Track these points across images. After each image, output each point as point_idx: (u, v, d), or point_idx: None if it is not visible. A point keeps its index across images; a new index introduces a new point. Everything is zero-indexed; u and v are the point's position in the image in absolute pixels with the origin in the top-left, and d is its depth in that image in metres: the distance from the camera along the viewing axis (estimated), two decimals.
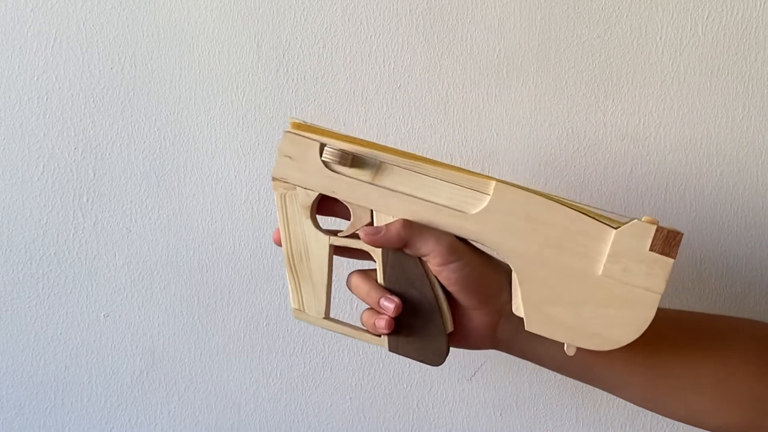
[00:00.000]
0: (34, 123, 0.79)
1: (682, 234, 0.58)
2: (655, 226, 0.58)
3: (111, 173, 0.80)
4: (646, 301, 0.58)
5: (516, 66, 0.79)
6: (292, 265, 0.62)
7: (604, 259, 0.58)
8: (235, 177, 0.80)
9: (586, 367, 0.64)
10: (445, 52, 0.79)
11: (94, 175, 0.80)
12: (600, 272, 0.58)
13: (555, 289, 0.59)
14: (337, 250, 0.63)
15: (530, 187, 0.60)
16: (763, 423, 0.64)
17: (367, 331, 0.63)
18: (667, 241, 0.58)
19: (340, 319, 0.63)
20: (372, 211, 0.61)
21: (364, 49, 0.78)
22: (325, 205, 0.63)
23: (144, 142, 0.80)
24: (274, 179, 0.61)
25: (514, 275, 0.60)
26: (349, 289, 0.64)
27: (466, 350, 0.82)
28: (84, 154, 0.80)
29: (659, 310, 0.61)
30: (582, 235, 0.59)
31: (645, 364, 0.64)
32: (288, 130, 0.61)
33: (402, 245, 0.60)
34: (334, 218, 0.64)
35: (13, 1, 0.77)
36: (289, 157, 0.61)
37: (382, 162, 0.61)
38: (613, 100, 0.79)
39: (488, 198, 0.59)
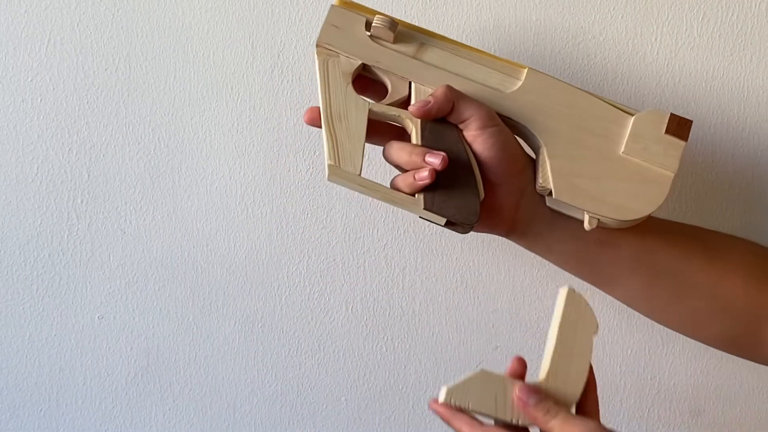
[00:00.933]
0: (28, 124, 0.79)
1: (692, 121, 0.66)
2: (669, 112, 0.66)
3: (105, 175, 0.80)
4: (662, 178, 0.65)
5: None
6: (331, 125, 0.63)
7: (624, 140, 0.65)
8: (230, 178, 0.80)
9: (591, 257, 0.68)
10: None
11: (89, 176, 0.80)
12: (622, 151, 0.65)
13: (582, 164, 0.65)
14: (371, 125, 0.64)
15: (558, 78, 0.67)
16: (755, 334, 0.68)
17: (401, 192, 0.63)
18: (680, 126, 0.66)
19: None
20: (410, 85, 0.65)
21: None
22: (361, 82, 0.66)
23: (138, 143, 0.79)
24: (318, 45, 0.65)
25: (542, 150, 0.65)
26: (387, 158, 0.65)
27: (461, 351, 0.83)
28: (78, 155, 0.79)
29: (666, 221, 0.71)
30: (604, 119, 0.66)
31: (647, 263, 0.68)
32: (334, 5, 0.65)
33: (450, 109, 0.63)
34: None
35: (6, 2, 0.77)
36: (336, 26, 0.65)
37: (423, 42, 0.66)
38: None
39: (521, 82, 0.66)
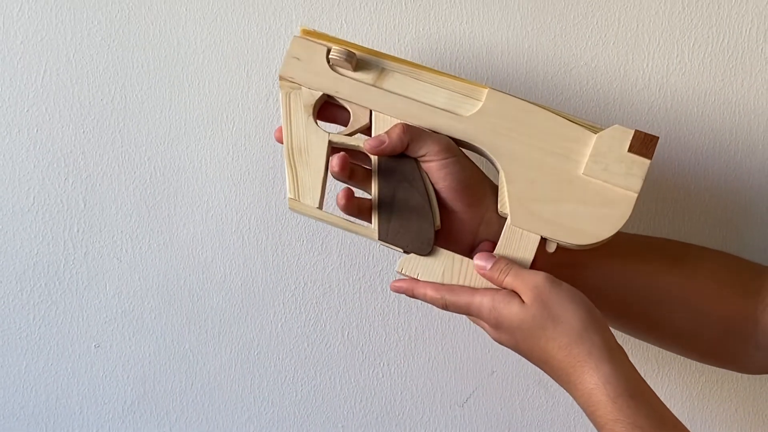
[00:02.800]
0: (24, 154, 0.79)
1: (658, 137, 0.63)
2: (633, 130, 0.63)
3: (101, 204, 0.80)
4: (624, 199, 0.63)
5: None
6: (291, 158, 0.65)
7: (586, 160, 0.63)
8: (226, 206, 0.80)
9: (561, 276, 0.65)
10: None
11: (85, 205, 0.80)
12: (582, 172, 0.64)
13: (539, 188, 0.64)
14: (333, 151, 0.66)
15: (519, 96, 0.65)
16: (744, 341, 0.69)
17: (356, 223, 0.65)
18: (644, 143, 0.63)
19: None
20: (371, 112, 0.65)
21: None
22: (326, 111, 0.67)
23: (134, 172, 0.80)
24: (281, 78, 0.65)
25: (501, 175, 0.64)
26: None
27: (457, 376, 0.83)
28: (74, 185, 0.80)
29: (633, 237, 0.71)
30: (566, 139, 0.64)
31: (618, 283, 0.69)
32: (297, 35, 0.66)
33: (403, 149, 0.64)
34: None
35: (2, 32, 0.77)
36: (297, 59, 0.66)
37: (384, 67, 0.66)
38: (601, 126, 0.79)
39: (481, 103, 0.65)
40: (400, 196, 0.64)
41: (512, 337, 0.62)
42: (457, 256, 0.64)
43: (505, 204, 0.64)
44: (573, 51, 0.79)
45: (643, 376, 0.82)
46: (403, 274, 0.64)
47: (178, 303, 0.82)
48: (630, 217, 0.64)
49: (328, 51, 0.65)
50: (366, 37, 0.79)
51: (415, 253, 0.64)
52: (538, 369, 0.82)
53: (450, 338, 0.82)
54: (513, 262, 0.62)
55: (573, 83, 0.79)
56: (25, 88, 0.79)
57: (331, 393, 0.83)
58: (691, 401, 0.83)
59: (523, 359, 0.81)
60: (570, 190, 0.64)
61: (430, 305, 0.81)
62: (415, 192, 0.64)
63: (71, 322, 0.82)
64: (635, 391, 0.59)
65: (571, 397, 0.82)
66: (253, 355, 0.83)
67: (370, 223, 0.65)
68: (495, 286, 0.62)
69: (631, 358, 0.82)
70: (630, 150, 0.63)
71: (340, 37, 0.67)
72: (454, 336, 0.82)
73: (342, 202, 0.64)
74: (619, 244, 0.68)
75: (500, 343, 0.64)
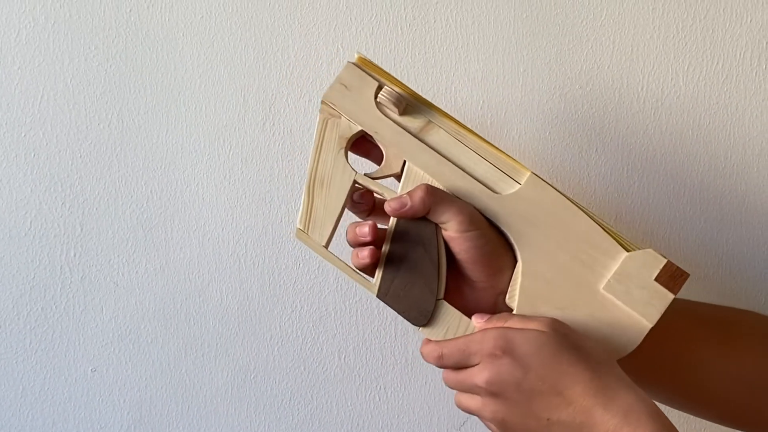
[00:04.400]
0: (21, 179, 0.79)
1: (689, 274, 0.60)
2: (666, 260, 0.60)
3: (98, 228, 0.80)
4: (636, 327, 0.60)
5: (499, 117, 0.79)
6: (311, 188, 0.62)
7: (609, 275, 0.60)
8: (222, 230, 0.80)
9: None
10: None
11: (82, 230, 0.80)
12: (602, 287, 0.60)
13: (553, 289, 0.60)
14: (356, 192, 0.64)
15: (560, 190, 0.62)
16: None
17: (358, 273, 0.62)
18: (673, 276, 0.60)
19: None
20: (404, 162, 0.62)
21: None
22: (361, 145, 0.64)
23: (131, 196, 0.80)
24: (323, 102, 0.62)
25: (519, 265, 0.61)
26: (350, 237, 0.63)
27: (453, 400, 0.82)
28: (71, 209, 0.80)
29: (684, 305, 0.65)
30: (596, 248, 0.61)
31: (673, 365, 0.65)
32: (351, 61, 0.63)
33: (425, 213, 0.60)
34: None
35: (1, 57, 0.78)
36: (345, 86, 0.62)
37: (430, 119, 0.63)
38: (596, 150, 0.80)
39: (518, 186, 0.62)
40: (411, 259, 0.61)
41: (524, 370, 0.56)
42: (464, 317, 0.61)
43: (513, 297, 0.61)
44: (568, 75, 0.79)
45: None
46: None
47: (174, 327, 0.82)
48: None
49: (379, 87, 0.62)
50: None
51: (410, 322, 0.61)
52: None
53: None
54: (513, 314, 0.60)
55: (568, 107, 0.79)
56: (23, 112, 0.79)
57: (327, 417, 0.83)
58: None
59: None
60: (583, 302, 0.60)
61: None
62: (427, 259, 0.61)
63: (68, 347, 0.82)
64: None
65: None
66: (249, 379, 0.82)
67: (372, 276, 0.62)
68: None
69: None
70: (657, 279, 0.60)
71: (394, 75, 0.64)
72: None
73: (364, 239, 0.61)
74: (670, 326, 0.63)
75: (497, 407, 0.57)
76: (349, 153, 0.63)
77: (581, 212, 0.61)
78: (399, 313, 0.62)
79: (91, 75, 0.79)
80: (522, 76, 0.79)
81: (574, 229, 0.61)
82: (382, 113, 0.62)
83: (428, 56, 0.79)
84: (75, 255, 0.81)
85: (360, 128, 0.62)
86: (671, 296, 0.60)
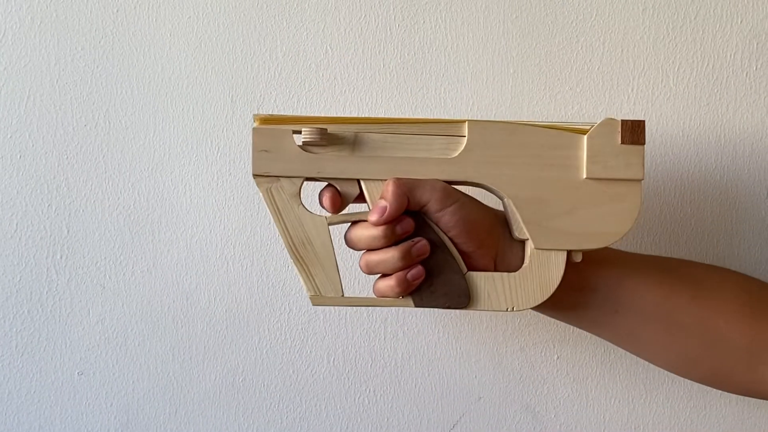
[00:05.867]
0: (7, 181, 0.79)
1: (644, 120, 0.63)
2: (620, 120, 0.63)
3: (85, 230, 0.80)
4: (632, 189, 0.63)
5: (489, 118, 0.79)
6: (298, 255, 0.63)
7: (584, 163, 0.63)
8: (210, 231, 0.80)
9: (571, 302, 0.67)
10: (419, 106, 0.79)
11: (68, 232, 0.80)
12: (584, 176, 0.63)
13: (549, 204, 0.63)
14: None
15: (500, 120, 0.65)
16: (751, 371, 0.66)
17: (388, 297, 0.63)
18: (633, 131, 0.63)
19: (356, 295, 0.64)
20: (359, 181, 0.63)
21: (338, 104, 0.79)
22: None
23: (118, 198, 0.79)
24: (255, 176, 0.62)
25: (509, 203, 0.63)
26: (350, 244, 0.64)
27: (444, 402, 0.82)
28: (58, 211, 0.79)
29: (649, 258, 0.71)
30: (558, 148, 0.63)
31: (630, 305, 0.67)
32: (255, 127, 0.62)
33: (406, 203, 0.61)
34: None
35: None
36: (266, 151, 0.62)
37: (356, 133, 0.63)
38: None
39: (465, 139, 0.63)
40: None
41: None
42: (495, 273, 0.64)
43: (522, 230, 0.63)
44: (558, 76, 0.79)
45: (630, 400, 0.82)
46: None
47: (162, 330, 0.81)
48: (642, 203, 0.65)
49: (294, 132, 0.62)
50: (352, 60, 0.79)
51: (455, 308, 0.63)
52: (526, 395, 0.82)
53: (437, 364, 0.82)
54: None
55: (558, 108, 0.79)
56: (9, 113, 0.78)
57: (317, 420, 0.82)
58: (680, 427, 0.82)
59: (511, 385, 0.82)
60: (579, 197, 0.63)
61: (416, 331, 0.81)
62: (433, 246, 0.63)
63: (54, 350, 0.81)
64: None
65: (558, 423, 0.82)
66: (238, 382, 0.82)
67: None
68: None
69: (617, 384, 0.82)
70: (623, 142, 0.63)
71: (295, 114, 0.64)
72: (441, 362, 0.82)
73: (425, 255, 0.63)
74: (632, 266, 0.68)
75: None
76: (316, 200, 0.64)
77: (527, 126, 0.63)
78: (444, 306, 0.63)
79: (77, 76, 0.78)
80: (512, 77, 0.79)
81: (530, 144, 0.63)
82: (312, 153, 0.62)
83: (417, 58, 0.79)
84: (61, 257, 0.80)
85: (302, 178, 0.62)
86: (642, 147, 0.63)
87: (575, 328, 0.75)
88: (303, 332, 0.81)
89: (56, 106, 0.78)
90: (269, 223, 0.80)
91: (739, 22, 0.79)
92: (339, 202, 0.63)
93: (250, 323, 0.81)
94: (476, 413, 0.82)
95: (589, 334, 0.77)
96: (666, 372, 0.78)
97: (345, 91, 0.79)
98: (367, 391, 0.82)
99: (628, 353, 0.75)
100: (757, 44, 0.79)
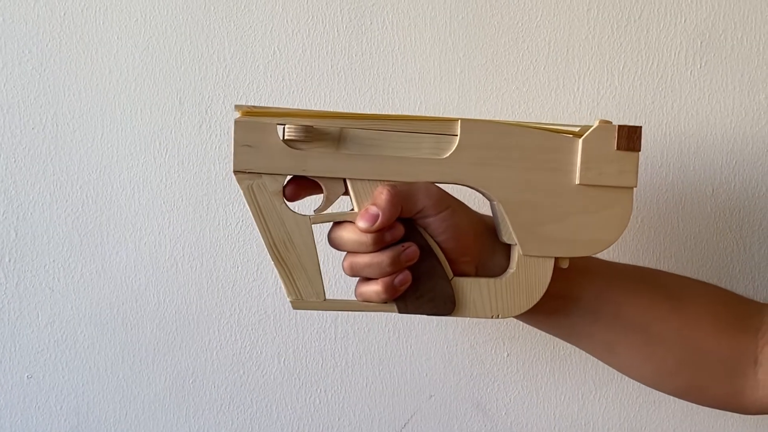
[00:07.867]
0: None
1: (641, 126, 0.61)
2: (616, 126, 0.61)
3: (33, 233, 0.80)
4: (623, 197, 0.62)
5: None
6: (279, 256, 0.59)
7: (577, 168, 0.61)
8: (159, 233, 0.80)
9: (550, 310, 0.65)
10: (368, 106, 0.79)
11: (16, 235, 0.79)
12: (577, 181, 0.61)
13: (540, 209, 0.61)
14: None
15: (494, 119, 0.62)
16: (730, 383, 0.66)
17: (372, 302, 0.61)
18: (630, 137, 0.61)
19: (338, 298, 0.62)
20: (345, 180, 0.60)
21: (287, 105, 0.79)
22: (297, 184, 0.60)
23: (66, 201, 0.79)
24: (236, 172, 0.58)
25: (499, 207, 0.61)
26: (333, 244, 0.61)
27: (395, 401, 0.83)
28: (5, 214, 0.79)
29: (627, 267, 0.69)
30: (552, 151, 0.61)
31: (609, 315, 0.66)
32: (238, 119, 0.58)
33: (399, 213, 0.59)
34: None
35: None
36: (248, 146, 0.58)
37: (343, 129, 0.59)
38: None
39: (457, 138, 0.60)
40: None
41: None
42: (480, 279, 0.62)
43: (510, 235, 0.61)
44: (505, 75, 0.79)
45: (580, 396, 0.83)
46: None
47: (111, 332, 0.81)
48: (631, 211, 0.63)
49: (279, 125, 0.59)
50: (300, 61, 0.79)
51: (441, 315, 0.61)
52: (477, 392, 0.82)
53: (387, 363, 0.82)
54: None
55: (505, 107, 0.79)
56: None
57: (267, 420, 0.83)
58: (629, 422, 0.83)
59: (461, 383, 0.82)
60: (570, 203, 0.61)
61: (366, 330, 0.81)
62: (421, 250, 0.60)
63: (3, 353, 0.81)
64: None
65: (509, 421, 0.82)
66: (188, 383, 0.82)
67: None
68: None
69: (568, 380, 0.82)
70: (618, 148, 0.61)
71: (280, 107, 0.61)
72: (392, 361, 0.82)
73: (413, 261, 0.60)
74: (614, 275, 0.67)
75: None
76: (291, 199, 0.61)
77: (521, 127, 0.61)
78: (428, 313, 0.61)
79: (25, 78, 0.78)
80: (459, 77, 0.79)
81: (523, 145, 0.61)
82: (297, 149, 0.59)
83: (365, 58, 0.79)
84: (9, 260, 0.80)
85: (286, 176, 0.59)
86: (637, 154, 0.61)
87: (525, 324, 0.76)
88: (253, 333, 0.81)
89: (3, 108, 0.78)
90: (218, 224, 0.80)
91: (683, 21, 0.80)
92: (300, 195, 0.61)
93: (200, 324, 0.81)
94: (427, 411, 0.83)
95: (538, 331, 0.78)
96: None
97: (293, 91, 0.79)
98: (318, 391, 0.82)
99: (577, 349, 0.76)
100: (702, 42, 0.80)
